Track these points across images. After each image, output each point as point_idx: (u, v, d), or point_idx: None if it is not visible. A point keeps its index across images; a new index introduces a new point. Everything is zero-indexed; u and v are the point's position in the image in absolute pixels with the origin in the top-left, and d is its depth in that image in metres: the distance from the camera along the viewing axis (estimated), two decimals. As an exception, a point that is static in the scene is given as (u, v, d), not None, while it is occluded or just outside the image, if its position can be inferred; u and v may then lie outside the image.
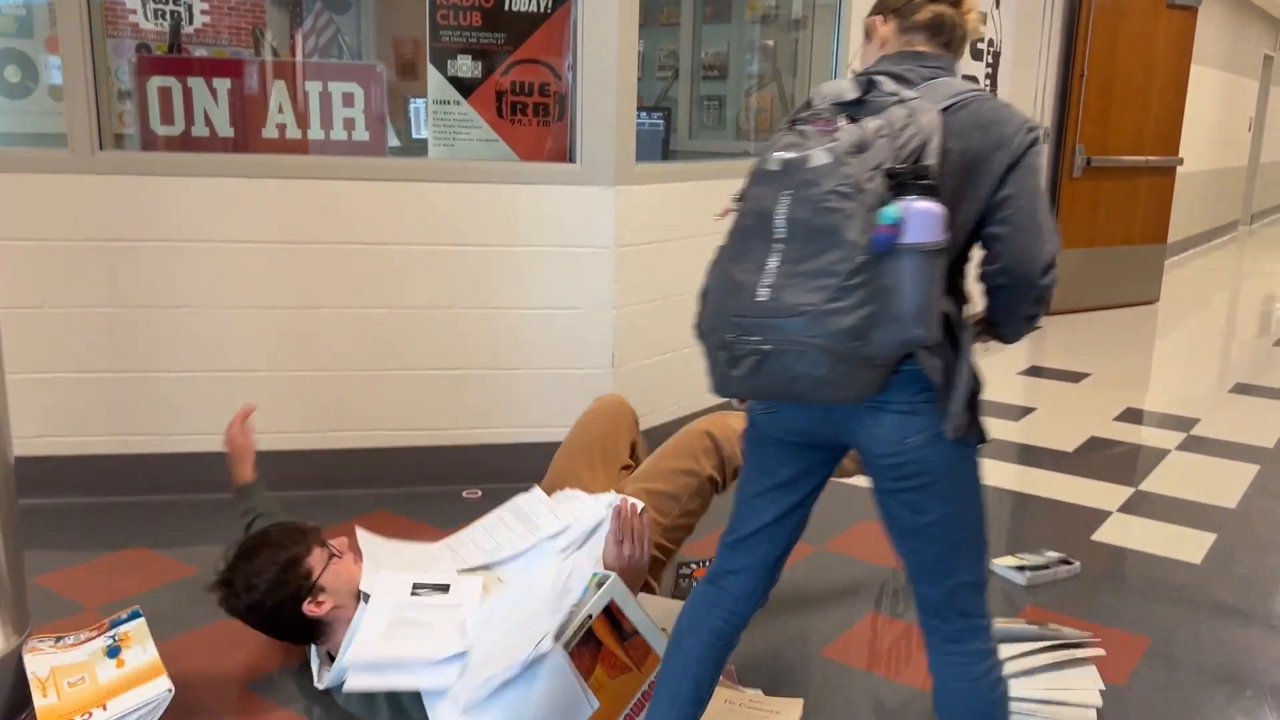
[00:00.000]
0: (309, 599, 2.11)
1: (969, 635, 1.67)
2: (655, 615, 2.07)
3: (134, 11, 4.01)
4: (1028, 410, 4.64)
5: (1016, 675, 2.26)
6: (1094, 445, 4.13)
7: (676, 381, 3.78)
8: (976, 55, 5.77)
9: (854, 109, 1.53)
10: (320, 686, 2.16)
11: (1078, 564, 2.96)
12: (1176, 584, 2.89)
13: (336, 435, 3.34)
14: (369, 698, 2.06)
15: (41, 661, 2.07)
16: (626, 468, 2.78)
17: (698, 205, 3.66)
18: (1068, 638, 2.44)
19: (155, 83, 3.12)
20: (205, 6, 4.37)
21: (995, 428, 4.26)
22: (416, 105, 3.76)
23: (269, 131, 3.21)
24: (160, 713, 2.00)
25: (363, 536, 2.33)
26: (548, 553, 2.26)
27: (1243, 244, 11.72)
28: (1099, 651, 2.43)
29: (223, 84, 3.15)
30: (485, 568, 2.28)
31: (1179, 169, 7.37)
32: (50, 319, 3.09)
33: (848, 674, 2.37)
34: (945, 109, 1.53)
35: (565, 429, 3.45)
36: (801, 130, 1.51)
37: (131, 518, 3.10)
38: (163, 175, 3.05)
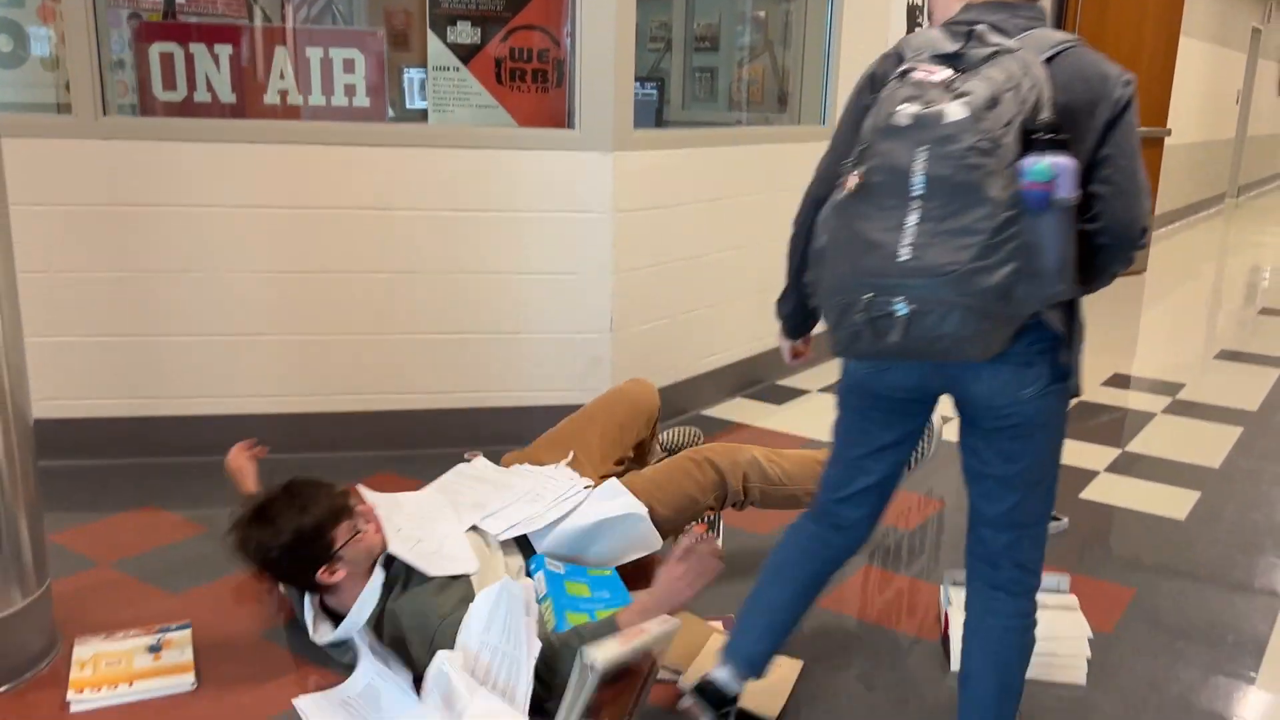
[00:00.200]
0: (325, 567, 2.12)
1: (1017, 587, 1.72)
2: None
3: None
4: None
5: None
6: (1082, 409, 4.21)
7: (675, 346, 3.84)
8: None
9: (954, 61, 1.48)
10: (320, 642, 2.19)
11: (1065, 520, 3.04)
12: (1161, 539, 2.98)
13: (339, 399, 3.39)
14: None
15: (89, 648, 2.20)
16: (620, 461, 2.85)
17: (695, 172, 3.71)
18: (1046, 585, 2.51)
19: (157, 49, 3.14)
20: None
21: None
22: (410, 75, 3.78)
23: (270, 97, 3.24)
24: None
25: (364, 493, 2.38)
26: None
27: (1229, 216, 11.81)
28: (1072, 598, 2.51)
29: (224, 50, 3.18)
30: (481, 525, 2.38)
31: (1166, 141, 7.43)
32: (56, 283, 3.13)
33: (843, 622, 2.45)
34: (1046, 60, 1.51)
35: (564, 392, 3.53)
36: (917, 83, 1.46)
37: (139, 479, 3.15)
38: (166, 140, 3.08)
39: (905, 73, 1.49)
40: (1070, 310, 1.59)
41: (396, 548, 2.16)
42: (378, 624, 2.12)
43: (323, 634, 2.20)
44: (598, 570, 2.37)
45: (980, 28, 1.51)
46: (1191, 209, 11.23)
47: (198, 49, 3.16)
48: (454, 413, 3.47)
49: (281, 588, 2.38)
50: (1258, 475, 3.51)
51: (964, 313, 1.41)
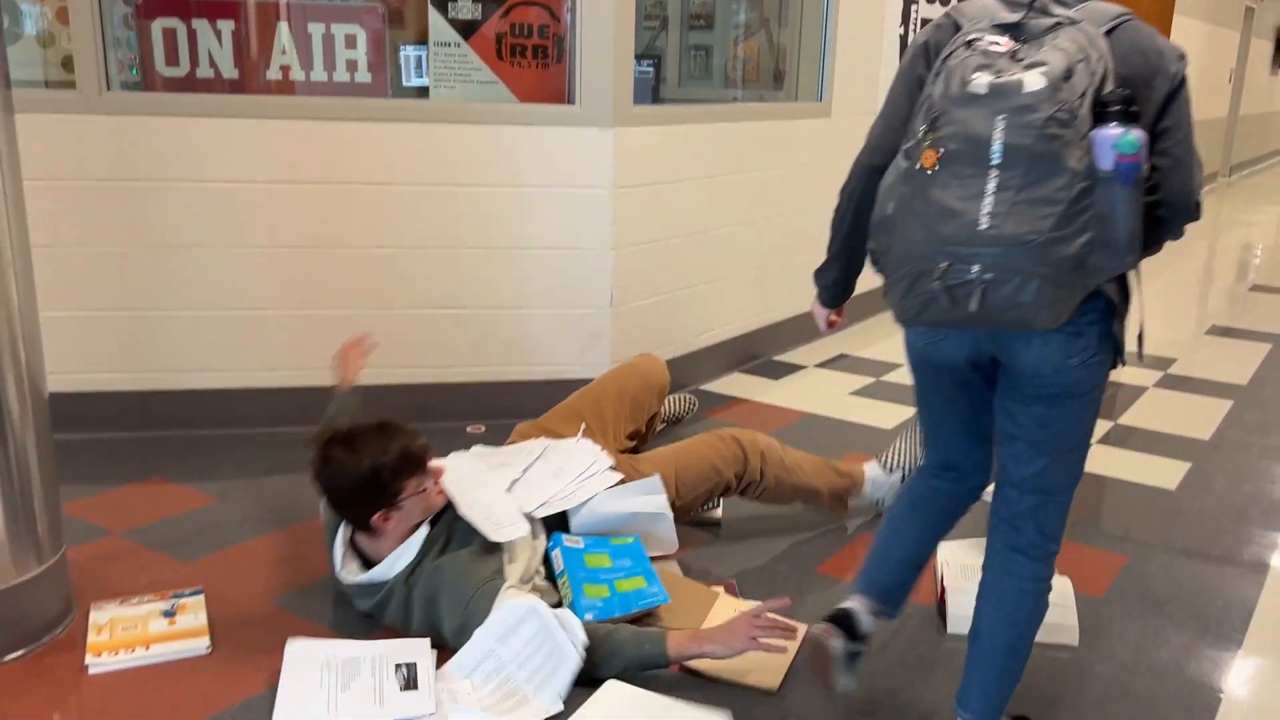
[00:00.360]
0: (384, 511, 2.16)
1: (1036, 551, 1.76)
2: None
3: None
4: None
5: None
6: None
7: (673, 321, 3.87)
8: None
9: (1015, 31, 1.49)
10: (346, 580, 2.23)
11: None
12: (1152, 509, 3.04)
13: (343, 373, 3.42)
14: (405, 604, 2.16)
15: (105, 613, 2.24)
16: (634, 435, 2.94)
17: (694, 148, 3.74)
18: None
19: (159, 24, 3.16)
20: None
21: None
22: (407, 53, 3.79)
23: (273, 73, 3.26)
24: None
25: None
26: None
27: (1222, 195, 11.85)
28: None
29: (226, 25, 3.19)
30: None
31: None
32: (61, 258, 3.15)
33: (841, 587, 2.50)
34: (1106, 33, 1.52)
35: (565, 367, 3.57)
36: (986, 51, 1.46)
37: (146, 452, 3.19)
38: (169, 116, 3.10)
39: (971, 42, 1.49)
40: (1123, 282, 1.62)
41: (466, 511, 2.22)
42: (408, 578, 2.17)
43: (350, 572, 2.24)
44: (620, 539, 2.43)
45: None
46: (1184, 187, 11.24)
47: (200, 24, 3.18)
48: (455, 387, 3.51)
49: (323, 513, 2.40)
50: (1247, 447, 3.57)
51: (1041, 282, 1.43)
